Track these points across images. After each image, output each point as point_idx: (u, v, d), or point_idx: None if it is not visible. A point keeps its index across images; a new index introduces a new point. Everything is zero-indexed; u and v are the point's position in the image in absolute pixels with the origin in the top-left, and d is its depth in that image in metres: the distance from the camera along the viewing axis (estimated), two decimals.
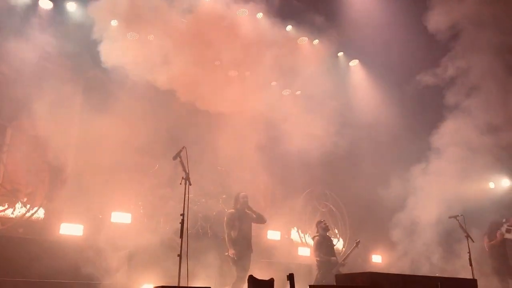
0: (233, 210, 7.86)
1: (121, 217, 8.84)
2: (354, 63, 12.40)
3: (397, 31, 10.54)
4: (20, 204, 8.97)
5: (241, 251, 7.35)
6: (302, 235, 12.37)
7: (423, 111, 10.98)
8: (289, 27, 11.55)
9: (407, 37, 10.38)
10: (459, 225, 7.83)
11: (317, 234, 8.61)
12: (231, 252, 7.29)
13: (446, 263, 9.69)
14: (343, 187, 12.56)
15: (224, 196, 10.15)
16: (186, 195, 5.85)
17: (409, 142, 11.15)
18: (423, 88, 10.67)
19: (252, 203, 12.24)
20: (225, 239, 7.75)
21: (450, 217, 8.10)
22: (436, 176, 10.27)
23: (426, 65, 10.34)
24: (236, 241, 7.40)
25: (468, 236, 7.77)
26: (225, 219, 7.75)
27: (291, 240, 11.74)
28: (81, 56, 9.31)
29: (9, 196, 8.86)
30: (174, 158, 6.07)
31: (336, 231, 12.96)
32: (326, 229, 8.68)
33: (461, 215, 7.89)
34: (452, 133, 10.51)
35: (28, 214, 8.94)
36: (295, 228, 12.28)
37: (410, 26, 10.16)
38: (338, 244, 12.83)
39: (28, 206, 9.00)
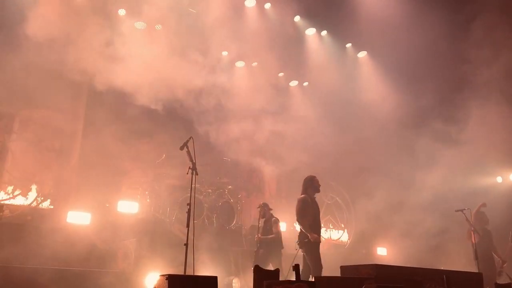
0: (304, 195, 7.07)
1: (128, 206, 8.89)
2: (363, 54, 12.29)
3: (406, 22, 10.43)
4: (28, 192, 9.06)
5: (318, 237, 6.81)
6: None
7: (433, 103, 10.87)
8: (297, 18, 11.46)
9: (417, 28, 10.26)
10: (466, 219, 7.80)
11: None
12: (313, 236, 6.69)
13: (452, 256, 9.69)
14: (349, 179, 12.54)
15: (230, 186, 10.18)
16: (193, 185, 5.86)
17: (417, 133, 11.09)
18: (433, 80, 10.60)
19: (258, 194, 12.38)
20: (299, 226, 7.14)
21: (456, 211, 8.05)
22: (443, 169, 10.22)
23: (437, 56, 10.23)
24: (312, 227, 6.80)
25: (474, 230, 7.74)
26: (298, 206, 6.98)
27: (297, 232, 11.75)
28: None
29: (17, 184, 8.96)
30: (181, 148, 6.07)
31: (342, 224, 12.98)
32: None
33: (468, 208, 7.85)
34: (461, 126, 10.45)
35: (35, 202, 9.04)
36: None
37: (420, 16, 10.04)
38: (343, 236, 12.85)
39: (36, 194, 9.09)
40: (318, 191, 7.11)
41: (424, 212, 10.18)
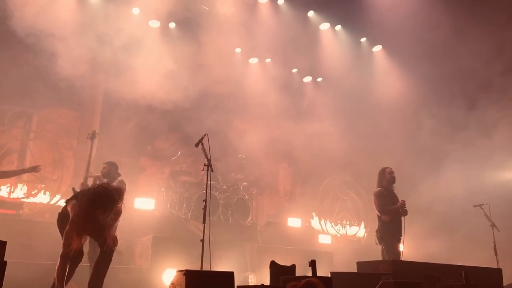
0: (379, 188, 6.92)
1: (144, 203, 8.97)
2: (378, 48, 12.16)
3: (422, 15, 10.30)
4: (46, 190, 9.22)
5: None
6: (323, 223, 12.37)
7: (450, 99, 10.72)
8: (311, 13, 11.39)
9: (434, 21, 10.12)
10: (484, 214, 7.70)
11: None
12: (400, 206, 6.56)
13: (470, 251, 9.56)
14: (365, 175, 12.45)
15: (244, 183, 10.20)
16: (208, 182, 5.89)
17: (433, 130, 10.96)
18: (449, 75, 10.46)
19: (272, 191, 12.38)
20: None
21: (475, 206, 7.97)
22: (460, 164, 10.09)
23: (454, 50, 10.08)
24: (392, 220, 6.62)
25: (493, 225, 7.64)
26: (375, 200, 6.84)
27: (312, 228, 11.75)
28: None
29: (35, 181, 9.12)
30: (196, 145, 6.10)
31: (357, 220, 12.91)
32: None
33: (486, 204, 7.74)
34: (477, 122, 10.31)
35: (54, 200, 9.19)
36: (315, 216, 12.29)
37: (437, 9, 9.89)
38: (359, 232, 12.79)
39: (54, 192, 9.24)
40: (393, 181, 6.86)
41: (441, 207, 10.06)
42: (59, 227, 4.47)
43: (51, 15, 8.25)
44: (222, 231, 8.66)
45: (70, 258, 4.14)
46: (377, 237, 6.74)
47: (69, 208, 4.31)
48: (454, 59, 10.14)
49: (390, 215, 6.63)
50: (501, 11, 9.66)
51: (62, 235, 4.31)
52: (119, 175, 6.79)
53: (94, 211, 4.15)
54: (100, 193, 4.15)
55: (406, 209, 6.69)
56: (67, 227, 4.12)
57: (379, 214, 6.79)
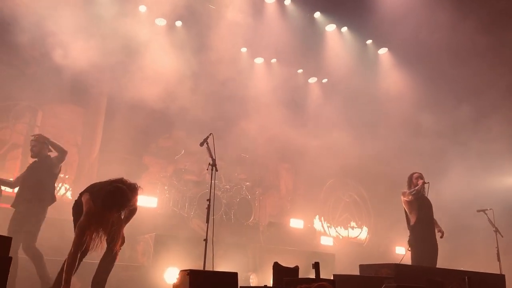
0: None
1: (147, 201, 8.98)
2: (383, 51, 12.14)
3: (428, 17, 10.27)
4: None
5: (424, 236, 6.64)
6: (325, 224, 12.36)
7: (456, 102, 10.69)
8: (317, 14, 11.38)
9: (439, 23, 10.08)
10: (488, 219, 7.66)
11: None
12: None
13: (473, 257, 9.53)
14: (369, 177, 12.44)
15: (247, 183, 10.20)
16: (212, 181, 5.89)
17: (438, 133, 10.93)
18: (455, 78, 10.42)
19: (274, 191, 12.37)
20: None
21: (478, 211, 7.93)
22: (464, 169, 10.06)
23: (461, 52, 10.04)
24: (420, 222, 6.66)
25: (497, 231, 7.60)
26: (405, 205, 6.91)
27: (314, 229, 11.74)
28: None
29: None
30: (201, 144, 6.10)
31: (360, 222, 12.90)
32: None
33: (490, 209, 7.71)
34: (482, 126, 10.28)
35: (59, 195, 9.20)
36: (318, 217, 12.28)
37: (443, 12, 9.86)
38: (362, 234, 12.77)
39: (58, 187, 9.25)
40: (421, 188, 6.81)
41: (444, 212, 10.04)
42: (73, 214, 4.47)
43: (59, 12, 8.26)
44: (224, 230, 8.66)
45: (81, 250, 4.12)
46: (408, 242, 6.76)
47: (83, 200, 4.29)
48: (461, 62, 10.10)
49: (411, 196, 6.68)
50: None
51: (74, 224, 4.33)
52: (50, 150, 6.05)
53: (110, 211, 4.14)
54: (113, 192, 4.13)
55: (442, 230, 6.80)
56: (82, 218, 4.11)
57: (407, 211, 6.80)
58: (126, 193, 4.18)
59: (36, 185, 5.76)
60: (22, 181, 5.91)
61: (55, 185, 6.21)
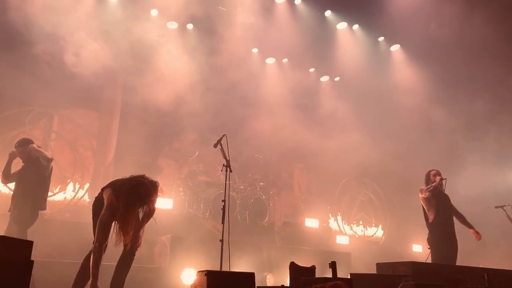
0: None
1: (163, 203, 9.05)
2: (396, 48, 12.04)
3: (440, 13, 10.17)
4: (68, 189, 9.38)
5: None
6: (340, 223, 12.31)
7: (469, 98, 10.55)
8: (328, 12, 11.35)
9: (452, 20, 9.98)
10: (506, 215, 7.54)
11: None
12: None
13: (492, 253, 9.40)
14: (383, 176, 12.34)
15: (261, 183, 10.22)
16: (227, 182, 5.91)
17: (452, 129, 10.81)
18: (470, 74, 10.30)
19: (288, 191, 12.36)
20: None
21: (496, 207, 7.81)
22: (482, 165, 9.93)
23: (473, 49, 9.92)
24: (436, 220, 6.64)
25: None
26: (423, 203, 6.91)
27: (330, 228, 11.70)
28: None
29: (57, 181, 9.28)
30: (215, 145, 6.14)
31: (375, 220, 12.82)
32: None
33: (509, 205, 7.59)
34: (500, 121, 10.13)
35: (75, 198, 9.34)
36: (333, 216, 12.23)
37: (455, 6, 9.75)
38: (378, 232, 12.69)
39: (75, 191, 9.39)
40: (438, 184, 6.76)
41: (461, 209, 9.92)
42: (93, 210, 4.51)
43: (72, 18, 8.38)
44: (239, 231, 8.66)
45: (106, 244, 4.18)
46: (427, 240, 6.68)
47: (105, 195, 4.33)
48: (475, 57, 9.98)
49: (429, 192, 6.63)
50: None
51: (93, 220, 4.37)
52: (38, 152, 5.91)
53: (133, 205, 4.18)
54: (136, 187, 4.19)
55: (475, 231, 6.67)
56: (103, 212, 4.16)
57: (425, 209, 6.73)
58: (149, 188, 4.23)
59: (28, 190, 5.77)
60: (15, 186, 5.91)
61: (48, 188, 6.16)
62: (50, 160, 5.93)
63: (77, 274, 4.38)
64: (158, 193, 4.39)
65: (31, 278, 3.17)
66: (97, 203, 4.48)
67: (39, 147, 5.98)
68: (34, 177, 5.86)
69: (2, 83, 8.26)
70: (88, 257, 4.28)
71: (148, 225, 4.88)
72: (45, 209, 6.01)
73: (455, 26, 9.95)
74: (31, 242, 3.35)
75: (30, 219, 5.77)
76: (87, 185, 9.58)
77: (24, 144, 5.93)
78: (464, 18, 9.64)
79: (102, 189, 4.50)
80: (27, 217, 5.71)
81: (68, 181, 9.43)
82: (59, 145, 9.65)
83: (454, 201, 7.08)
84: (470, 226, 6.86)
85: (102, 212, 4.17)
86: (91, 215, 4.50)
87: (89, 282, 4.05)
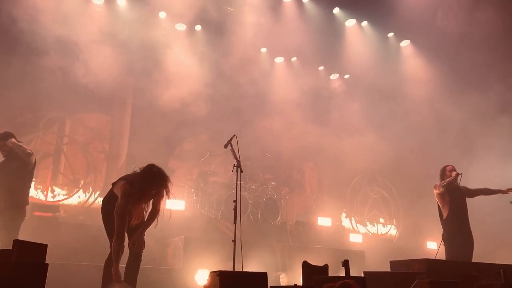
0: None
1: (175, 204, 9.09)
2: (406, 43, 11.93)
3: (450, 7, 10.05)
4: (81, 192, 9.48)
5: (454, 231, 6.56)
6: (353, 221, 12.24)
7: (481, 92, 10.41)
8: (336, 10, 11.29)
9: (462, 14, 9.85)
10: None
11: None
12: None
13: (508, 249, 9.27)
14: (396, 173, 12.24)
15: (273, 183, 10.21)
16: (238, 182, 5.92)
17: (464, 124, 10.67)
18: (481, 69, 10.16)
19: (300, 190, 12.32)
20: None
21: (511, 202, 7.70)
22: (495, 158, 9.79)
23: (484, 43, 9.78)
24: (450, 216, 6.61)
25: None
26: (437, 199, 6.89)
27: (343, 227, 11.64)
28: None
29: (70, 185, 9.39)
30: (225, 146, 6.15)
31: (390, 218, 12.72)
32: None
33: None
34: (508, 115, 9.99)
35: (90, 201, 9.44)
36: (345, 214, 12.17)
37: (465, 1, 9.64)
38: (391, 230, 12.59)
39: (88, 194, 9.49)
40: (454, 179, 6.71)
41: (475, 204, 9.81)
42: (103, 210, 4.60)
43: (81, 22, 8.47)
44: (251, 231, 8.69)
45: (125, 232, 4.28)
46: (442, 236, 6.64)
47: (116, 190, 4.42)
48: (486, 50, 9.84)
49: (442, 188, 6.59)
50: None
51: (103, 218, 4.48)
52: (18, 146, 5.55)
53: (149, 185, 4.31)
54: (149, 169, 4.37)
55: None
56: (119, 201, 4.24)
57: (440, 205, 6.69)
58: (163, 171, 4.40)
59: (10, 187, 5.42)
60: None
61: (30, 185, 5.82)
62: (29, 154, 5.55)
63: (102, 276, 4.45)
64: (168, 183, 4.45)
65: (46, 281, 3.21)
66: (108, 198, 4.56)
67: (19, 142, 5.60)
68: (16, 171, 5.48)
69: (16, 90, 8.38)
70: (108, 259, 4.38)
71: (161, 227, 4.92)
72: (28, 203, 5.70)
73: (465, 18, 9.82)
74: (45, 245, 3.40)
75: (20, 218, 5.46)
76: (100, 188, 9.66)
77: (3, 138, 5.54)
78: (474, 10, 9.51)
79: (113, 184, 4.60)
80: (15, 217, 5.39)
81: (82, 184, 9.52)
82: (72, 149, 9.76)
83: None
84: (497, 190, 6.84)
85: (118, 202, 4.26)
86: (102, 218, 4.58)
87: None
